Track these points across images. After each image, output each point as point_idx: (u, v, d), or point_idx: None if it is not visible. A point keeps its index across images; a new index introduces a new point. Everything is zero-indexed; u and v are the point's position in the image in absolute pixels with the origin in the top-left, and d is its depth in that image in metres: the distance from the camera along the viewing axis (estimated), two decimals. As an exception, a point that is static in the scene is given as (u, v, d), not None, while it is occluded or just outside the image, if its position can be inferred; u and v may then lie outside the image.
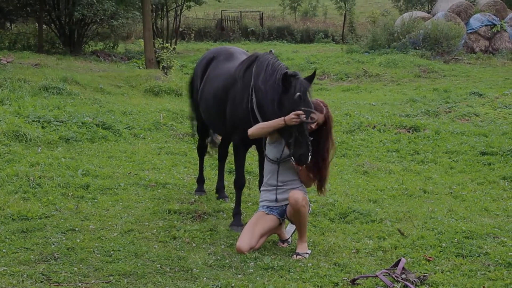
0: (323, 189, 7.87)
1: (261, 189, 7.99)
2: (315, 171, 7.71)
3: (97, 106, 16.17)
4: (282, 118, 7.26)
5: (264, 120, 7.66)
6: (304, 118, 7.22)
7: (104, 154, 12.05)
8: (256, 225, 7.63)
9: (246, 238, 7.51)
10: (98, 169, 10.84)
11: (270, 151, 7.74)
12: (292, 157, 7.39)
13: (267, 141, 7.82)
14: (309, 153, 7.30)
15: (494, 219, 8.97)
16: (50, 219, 8.30)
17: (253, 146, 8.63)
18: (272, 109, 7.54)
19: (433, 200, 9.97)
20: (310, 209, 7.88)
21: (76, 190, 9.60)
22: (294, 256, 7.49)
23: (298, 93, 7.28)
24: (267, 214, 7.72)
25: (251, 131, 7.50)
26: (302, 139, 7.26)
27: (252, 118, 7.91)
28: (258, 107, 7.83)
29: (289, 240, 8.01)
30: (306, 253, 7.54)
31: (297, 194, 7.48)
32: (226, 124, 8.51)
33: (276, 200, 7.72)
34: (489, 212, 9.36)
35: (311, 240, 7.93)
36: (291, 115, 7.19)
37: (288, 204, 7.60)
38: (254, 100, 7.88)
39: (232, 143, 8.84)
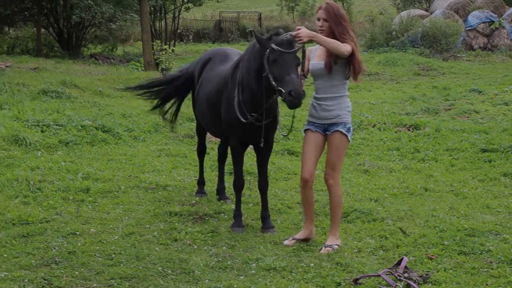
0: (358, 77, 7.70)
1: None
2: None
3: (97, 109, 16.14)
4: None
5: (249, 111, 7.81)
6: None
7: (104, 157, 12.02)
8: (310, 152, 7.67)
9: (310, 169, 7.64)
10: (98, 172, 10.82)
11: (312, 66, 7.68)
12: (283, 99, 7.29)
13: None
14: (303, 92, 7.21)
15: (496, 216, 8.95)
16: (50, 223, 8.29)
17: (251, 146, 8.60)
18: (256, 82, 7.65)
19: (435, 198, 9.95)
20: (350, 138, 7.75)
21: (76, 193, 9.57)
22: (323, 249, 7.52)
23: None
24: (313, 132, 7.68)
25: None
26: (285, 75, 7.24)
27: (240, 114, 7.92)
28: (243, 95, 7.90)
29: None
30: (336, 245, 7.58)
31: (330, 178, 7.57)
32: (222, 126, 8.49)
33: (315, 117, 7.66)
34: (491, 209, 9.34)
35: (312, 240, 7.92)
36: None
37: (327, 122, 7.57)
38: (237, 98, 7.94)
39: (229, 144, 8.81)
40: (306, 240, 7.90)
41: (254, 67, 7.66)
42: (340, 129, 7.49)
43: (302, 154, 7.84)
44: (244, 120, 7.85)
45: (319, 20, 7.47)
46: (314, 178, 7.75)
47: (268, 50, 7.35)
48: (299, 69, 7.47)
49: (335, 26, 7.38)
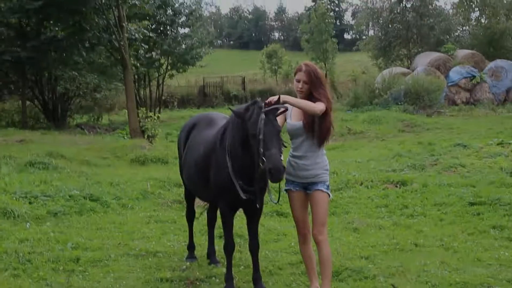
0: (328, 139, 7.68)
1: None
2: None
3: (84, 179, 16.14)
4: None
5: (245, 181, 7.77)
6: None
7: (93, 226, 11.98)
8: (298, 210, 7.80)
9: (307, 225, 7.82)
10: (88, 241, 10.77)
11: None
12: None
13: None
14: (283, 168, 7.16)
15: (487, 269, 8.96)
16: (41, 295, 8.23)
17: (240, 210, 8.59)
18: (242, 151, 7.65)
19: (425, 253, 9.94)
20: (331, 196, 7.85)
21: (66, 263, 9.50)
22: None
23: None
24: (294, 191, 7.76)
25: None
26: (265, 150, 7.20)
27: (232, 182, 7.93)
28: (233, 162, 7.88)
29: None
30: None
31: (320, 235, 7.59)
32: (210, 190, 8.50)
33: (294, 175, 7.70)
34: (482, 262, 9.35)
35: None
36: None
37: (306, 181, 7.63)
38: (229, 164, 7.92)
39: (218, 208, 8.81)
40: None
41: (239, 138, 7.72)
42: (320, 188, 7.57)
43: (292, 214, 7.93)
44: (244, 197, 7.86)
45: (298, 82, 7.54)
46: (310, 232, 7.78)
47: (251, 123, 7.42)
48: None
49: (314, 88, 7.47)
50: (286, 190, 7.85)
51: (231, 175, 7.87)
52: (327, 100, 7.43)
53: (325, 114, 7.40)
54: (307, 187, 7.63)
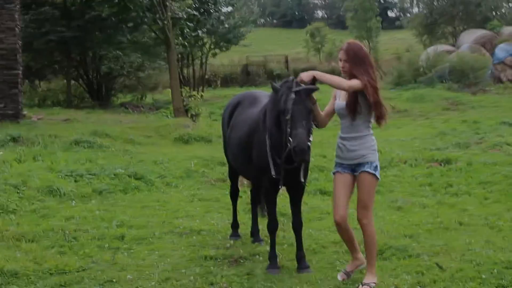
0: (382, 122, 7.55)
1: None
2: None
3: (128, 157, 16.25)
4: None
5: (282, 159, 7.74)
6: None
7: (138, 204, 12.08)
8: (340, 195, 7.57)
9: (341, 212, 7.54)
10: (132, 219, 10.86)
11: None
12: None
13: None
14: (307, 147, 7.21)
15: (533, 248, 8.87)
16: (87, 271, 8.31)
17: (284, 188, 8.59)
18: (276, 129, 7.72)
19: (470, 232, 9.86)
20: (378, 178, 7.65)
21: (111, 241, 9.60)
22: (360, 287, 7.43)
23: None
24: (341, 173, 7.59)
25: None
26: (293, 128, 7.27)
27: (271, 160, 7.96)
28: (271, 140, 7.92)
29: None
30: (373, 283, 7.47)
31: (363, 217, 7.49)
32: (253, 169, 8.53)
33: (342, 157, 7.58)
34: (527, 241, 9.26)
35: (351, 278, 7.87)
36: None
37: (352, 162, 7.49)
38: (268, 142, 7.95)
39: (262, 186, 8.82)
40: (356, 268, 7.93)
41: (273, 116, 7.75)
42: (366, 169, 7.41)
43: (333, 197, 7.79)
44: (274, 174, 7.89)
45: (340, 60, 7.46)
46: (347, 218, 7.65)
47: (281, 99, 7.46)
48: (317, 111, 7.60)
49: (354, 66, 7.32)
50: (333, 172, 7.72)
51: (268, 153, 7.90)
52: (368, 78, 7.23)
53: (368, 93, 7.21)
54: (355, 168, 7.50)
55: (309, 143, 7.21)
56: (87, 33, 31.96)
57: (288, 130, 7.29)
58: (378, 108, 7.35)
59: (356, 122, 7.41)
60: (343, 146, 7.50)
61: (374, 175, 7.46)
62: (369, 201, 7.52)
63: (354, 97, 7.29)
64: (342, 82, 7.25)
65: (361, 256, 7.92)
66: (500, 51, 39.95)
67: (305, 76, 7.35)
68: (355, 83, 7.20)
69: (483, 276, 7.66)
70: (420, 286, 7.56)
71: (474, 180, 13.51)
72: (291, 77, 7.67)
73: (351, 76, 7.33)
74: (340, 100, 7.53)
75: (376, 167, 7.47)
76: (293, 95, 7.27)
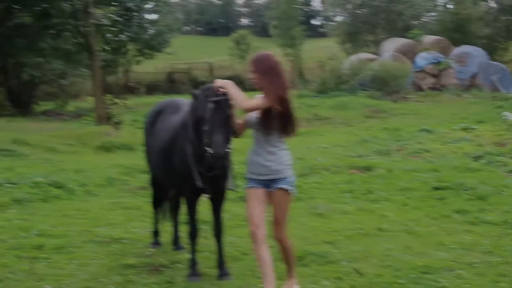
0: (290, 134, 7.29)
1: None
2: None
3: (49, 166, 16.07)
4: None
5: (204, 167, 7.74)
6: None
7: (58, 213, 11.93)
8: (254, 208, 7.28)
9: (255, 221, 7.26)
10: (52, 228, 10.71)
11: None
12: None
13: None
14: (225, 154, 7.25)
15: (450, 253, 9.07)
16: (4, 282, 8.17)
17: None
18: (196, 136, 7.74)
19: (389, 238, 10.02)
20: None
21: (30, 251, 9.44)
22: None
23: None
24: (255, 189, 7.28)
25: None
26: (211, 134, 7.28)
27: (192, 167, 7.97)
28: (192, 148, 7.93)
29: None
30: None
31: (279, 234, 7.31)
32: (175, 176, 8.52)
33: (254, 173, 7.30)
34: (445, 246, 9.45)
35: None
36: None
37: (265, 178, 7.22)
38: (188, 150, 7.98)
39: (183, 194, 8.81)
40: None
41: (193, 122, 7.78)
42: (282, 186, 7.15)
43: (247, 211, 7.44)
44: (199, 184, 7.90)
45: (250, 72, 7.20)
46: (264, 231, 7.29)
47: (199, 106, 7.48)
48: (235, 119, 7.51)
49: (262, 77, 7.06)
50: (246, 187, 7.42)
51: (190, 161, 7.90)
52: (275, 91, 6.98)
53: (274, 109, 6.96)
54: (269, 184, 7.22)
55: (227, 150, 7.21)
56: (8, 40, 31.46)
57: (206, 136, 7.29)
58: (288, 120, 7.16)
59: (270, 136, 7.14)
60: (256, 161, 7.25)
61: (289, 191, 7.23)
62: (283, 218, 7.30)
63: (267, 111, 7.02)
64: (239, 102, 7.09)
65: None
66: (421, 59, 40.69)
67: (219, 83, 7.32)
68: (253, 104, 7.04)
69: (401, 281, 7.81)
70: (339, 292, 7.64)
71: (394, 186, 13.71)
72: (210, 85, 7.65)
73: (261, 87, 7.11)
74: (254, 112, 7.22)
75: (291, 182, 7.22)
76: (211, 103, 7.27)
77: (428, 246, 9.48)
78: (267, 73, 7.06)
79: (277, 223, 7.29)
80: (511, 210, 11.51)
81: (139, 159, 10.83)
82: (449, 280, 7.82)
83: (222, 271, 8.36)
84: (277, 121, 7.05)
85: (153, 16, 43.19)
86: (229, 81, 7.34)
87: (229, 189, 8.19)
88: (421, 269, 8.25)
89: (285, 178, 7.18)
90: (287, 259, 7.50)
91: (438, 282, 7.76)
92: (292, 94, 7.39)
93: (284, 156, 7.24)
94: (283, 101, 7.01)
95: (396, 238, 9.99)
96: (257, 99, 7.05)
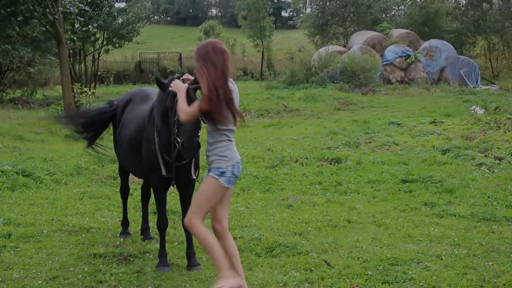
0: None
1: None
2: None
3: (17, 154, 15.93)
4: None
5: (171, 157, 7.76)
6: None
7: (26, 202, 11.85)
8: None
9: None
10: (20, 217, 10.64)
11: None
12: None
13: None
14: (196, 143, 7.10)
15: (418, 245, 9.14)
16: (-29, 271, 8.11)
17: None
18: (164, 126, 7.72)
19: (358, 230, 10.08)
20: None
21: (-3, 240, 9.40)
22: None
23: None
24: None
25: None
26: (181, 123, 7.11)
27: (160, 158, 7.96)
28: (160, 141, 7.93)
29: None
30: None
31: (186, 219, 7.09)
32: (143, 166, 8.50)
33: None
34: (413, 238, 9.54)
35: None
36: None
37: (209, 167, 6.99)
38: (156, 139, 7.95)
39: (151, 184, 8.78)
40: None
41: (161, 112, 7.74)
42: (210, 174, 6.87)
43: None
44: (164, 173, 7.89)
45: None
46: (222, 224, 7.23)
47: (169, 96, 7.42)
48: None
49: (197, 64, 6.77)
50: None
51: (157, 151, 7.89)
52: (208, 78, 6.64)
53: (215, 93, 6.63)
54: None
55: (197, 139, 7.17)
56: (-26, 27, 31.10)
57: (176, 127, 7.27)
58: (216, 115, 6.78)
59: (209, 128, 6.90)
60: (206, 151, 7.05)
61: (214, 178, 6.87)
62: (194, 203, 7.07)
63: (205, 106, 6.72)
64: (180, 109, 6.85)
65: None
66: (389, 52, 40.89)
67: (177, 83, 7.15)
68: (189, 112, 6.79)
69: (369, 273, 7.86)
70: (308, 283, 7.68)
71: (363, 178, 13.79)
72: (176, 75, 7.62)
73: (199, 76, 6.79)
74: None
75: (222, 173, 6.87)
76: None
77: (396, 238, 9.56)
78: (202, 59, 6.72)
79: (191, 208, 7.12)
80: (478, 203, 11.63)
81: (107, 148, 10.74)
82: (417, 272, 7.89)
83: (192, 262, 8.37)
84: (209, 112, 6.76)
85: (122, 5, 42.84)
86: (184, 85, 7.10)
87: (193, 179, 8.16)
88: (389, 261, 8.31)
89: (217, 168, 6.85)
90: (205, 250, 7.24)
91: (406, 273, 7.83)
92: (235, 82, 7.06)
93: (218, 148, 6.87)
94: (218, 90, 6.66)
95: (365, 230, 10.06)
96: (194, 104, 6.80)
